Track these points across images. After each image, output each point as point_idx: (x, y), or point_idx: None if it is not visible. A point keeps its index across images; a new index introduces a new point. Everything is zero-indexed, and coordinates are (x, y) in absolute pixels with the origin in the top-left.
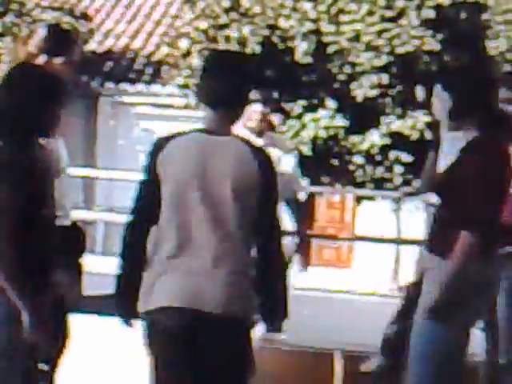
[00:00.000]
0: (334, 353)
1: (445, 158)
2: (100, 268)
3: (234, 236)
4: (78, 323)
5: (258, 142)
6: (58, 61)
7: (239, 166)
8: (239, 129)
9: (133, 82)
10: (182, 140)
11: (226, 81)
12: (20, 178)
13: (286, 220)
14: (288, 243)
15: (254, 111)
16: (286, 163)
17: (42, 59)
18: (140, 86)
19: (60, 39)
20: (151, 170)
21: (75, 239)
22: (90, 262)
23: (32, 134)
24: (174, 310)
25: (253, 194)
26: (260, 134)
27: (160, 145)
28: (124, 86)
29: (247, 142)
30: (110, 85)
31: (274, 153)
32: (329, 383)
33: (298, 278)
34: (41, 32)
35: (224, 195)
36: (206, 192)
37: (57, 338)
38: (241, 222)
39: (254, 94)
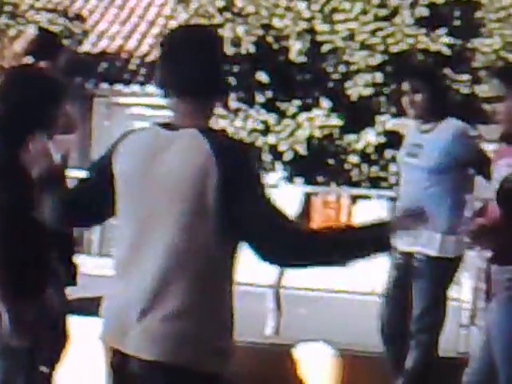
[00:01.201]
0: (332, 351)
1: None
2: (96, 269)
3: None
4: (74, 325)
5: None
6: (42, 64)
7: (184, 167)
8: None
9: (127, 82)
10: (136, 136)
11: (190, 61)
12: (13, 179)
13: None
14: None
15: None
16: None
17: (27, 61)
18: (134, 87)
19: (46, 43)
20: (103, 164)
21: (65, 237)
22: (87, 264)
23: (28, 135)
24: None
25: (205, 200)
26: None
27: (121, 140)
28: (118, 86)
29: (214, 135)
30: (104, 86)
31: None
32: (324, 381)
33: (293, 278)
34: (28, 34)
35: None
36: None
37: (56, 341)
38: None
39: None
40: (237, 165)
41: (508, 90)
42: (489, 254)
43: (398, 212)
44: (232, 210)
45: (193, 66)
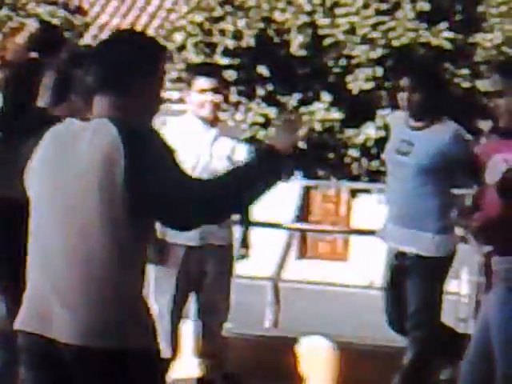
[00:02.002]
0: (331, 344)
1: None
2: None
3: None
4: None
5: (211, 132)
6: (46, 59)
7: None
8: (189, 118)
9: None
10: (53, 129)
11: (104, 60)
12: (13, 176)
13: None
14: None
15: (205, 100)
16: (239, 153)
17: (30, 55)
18: None
19: (50, 38)
20: None
21: None
22: None
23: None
24: None
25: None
26: (213, 123)
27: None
28: None
29: (123, 123)
30: None
31: (227, 142)
32: (323, 375)
33: (293, 271)
34: (31, 27)
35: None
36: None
37: None
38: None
39: (206, 83)
40: (141, 148)
41: (507, 84)
42: (488, 248)
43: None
44: (139, 190)
45: (105, 65)
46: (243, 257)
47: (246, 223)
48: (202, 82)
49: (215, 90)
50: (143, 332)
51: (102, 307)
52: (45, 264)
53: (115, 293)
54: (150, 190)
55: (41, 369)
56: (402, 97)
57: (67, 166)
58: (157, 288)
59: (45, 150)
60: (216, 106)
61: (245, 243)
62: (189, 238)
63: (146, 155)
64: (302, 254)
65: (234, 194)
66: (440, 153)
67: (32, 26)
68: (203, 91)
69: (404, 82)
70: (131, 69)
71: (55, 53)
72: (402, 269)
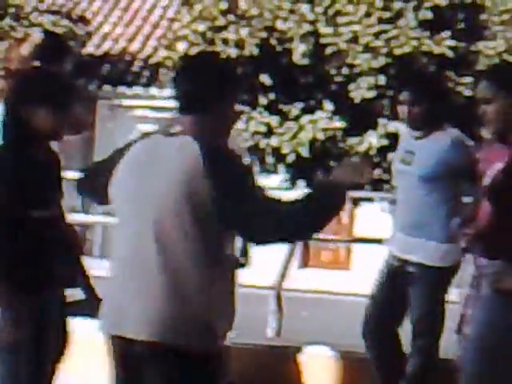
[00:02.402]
0: (333, 354)
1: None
2: (98, 271)
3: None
4: (75, 326)
5: None
6: (51, 68)
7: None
8: None
9: (130, 84)
10: (138, 144)
11: (187, 82)
12: (20, 178)
13: None
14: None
15: None
16: None
17: (34, 64)
18: (137, 89)
19: (55, 47)
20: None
21: (70, 239)
22: (88, 265)
23: (35, 137)
24: None
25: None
26: None
27: (128, 146)
28: (121, 88)
29: (205, 142)
30: (107, 88)
31: None
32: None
33: (295, 279)
34: (36, 37)
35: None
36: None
37: (57, 341)
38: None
39: None
40: (223, 165)
41: (496, 91)
42: (481, 260)
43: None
44: (221, 205)
45: (187, 86)
46: (243, 265)
47: None
48: None
49: None
50: (212, 335)
51: (183, 309)
52: (127, 267)
53: (197, 294)
54: (230, 205)
55: (123, 369)
56: (402, 110)
57: (152, 180)
58: None
59: (129, 164)
60: None
61: (245, 252)
62: None
63: (227, 172)
64: (305, 263)
65: (308, 218)
66: (441, 160)
67: (36, 36)
68: None
69: (403, 95)
70: (215, 92)
71: (59, 62)
72: (401, 274)
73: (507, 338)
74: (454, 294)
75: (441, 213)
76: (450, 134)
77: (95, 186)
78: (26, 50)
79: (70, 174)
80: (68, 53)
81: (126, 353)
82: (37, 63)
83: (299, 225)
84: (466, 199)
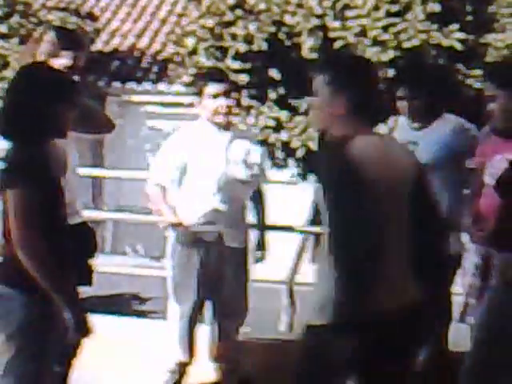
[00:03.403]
0: None
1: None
2: (109, 267)
3: None
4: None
5: (225, 136)
6: (66, 62)
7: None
8: (204, 124)
9: (139, 80)
10: (366, 141)
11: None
12: (35, 178)
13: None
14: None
15: (219, 106)
16: (254, 155)
17: (51, 61)
18: (147, 85)
19: (70, 41)
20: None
21: (86, 238)
22: (99, 262)
23: (44, 135)
24: None
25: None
26: (226, 127)
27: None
28: (131, 85)
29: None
30: (116, 84)
31: (242, 145)
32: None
33: (308, 274)
34: (50, 36)
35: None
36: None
37: (69, 339)
38: None
39: (217, 88)
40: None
41: (498, 89)
42: (485, 249)
43: None
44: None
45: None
46: (259, 259)
47: (262, 226)
48: (214, 87)
49: (227, 95)
50: None
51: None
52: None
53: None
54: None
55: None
56: (402, 105)
57: (387, 172)
58: (176, 291)
59: (364, 157)
60: (229, 110)
61: (261, 246)
62: (206, 237)
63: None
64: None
65: None
66: (444, 147)
67: (51, 35)
68: (215, 96)
69: (403, 92)
70: None
71: (76, 57)
72: None
73: None
74: (456, 284)
75: (445, 201)
76: (451, 120)
77: None
78: (44, 49)
79: (81, 171)
80: (83, 47)
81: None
82: (53, 60)
83: None
84: (465, 191)
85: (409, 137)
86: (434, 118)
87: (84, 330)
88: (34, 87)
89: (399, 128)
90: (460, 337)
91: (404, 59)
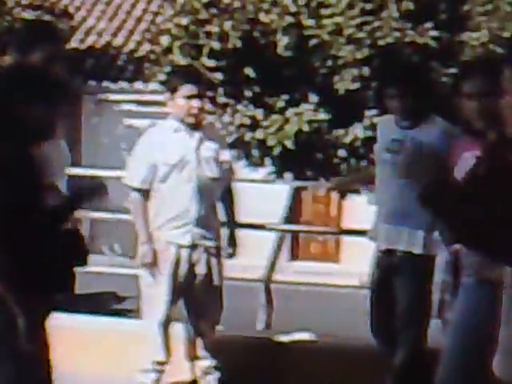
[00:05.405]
0: (324, 344)
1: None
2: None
3: None
4: (61, 322)
5: (195, 136)
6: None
7: None
8: (175, 123)
9: (115, 79)
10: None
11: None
12: (20, 179)
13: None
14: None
15: (191, 106)
16: (223, 153)
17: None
18: (122, 84)
19: (43, 35)
20: None
21: (72, 245)
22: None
23: (32, 136)
24: None
25: None
26: (197, 127)
27: None
28: (106, 83)
29: None
30: (92, 82)
31: (211, 145)
32: (317, 377)
33: (285, 272)
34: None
35: None
36: None
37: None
38: None
39: (191, 89)
40: None
41: (477, 88)
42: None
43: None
44: None
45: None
46: (231, 256)
47: (232, 223)
48: (188, 89)
49: (200, 96)
50: None
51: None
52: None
53: None
54: None
55: None
56: (390, 103)
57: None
58: (149, 292)
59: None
60: (200, 111)
61: (232, 242)
62: (179, 237)
63: None
64: (295, 256)
65: None
66: (429, 149)
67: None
68: (189, 97)
69: (390, 90)
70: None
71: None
72: (392, 268)
73: (491, 325)
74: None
75: None
76: (439, 124)
77: None
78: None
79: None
80: (55, 38)
81: None
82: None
83: None
84: None
85: (394, 135)
86: (422, 117)
87: (34, 341)
88: (13, 88)
89: (386, 125)
90: (436, 332)
91: (386, 57)
